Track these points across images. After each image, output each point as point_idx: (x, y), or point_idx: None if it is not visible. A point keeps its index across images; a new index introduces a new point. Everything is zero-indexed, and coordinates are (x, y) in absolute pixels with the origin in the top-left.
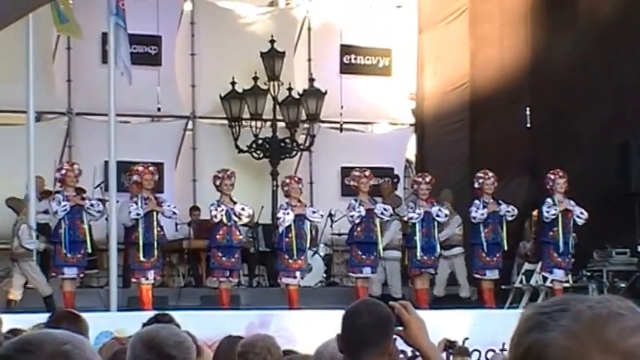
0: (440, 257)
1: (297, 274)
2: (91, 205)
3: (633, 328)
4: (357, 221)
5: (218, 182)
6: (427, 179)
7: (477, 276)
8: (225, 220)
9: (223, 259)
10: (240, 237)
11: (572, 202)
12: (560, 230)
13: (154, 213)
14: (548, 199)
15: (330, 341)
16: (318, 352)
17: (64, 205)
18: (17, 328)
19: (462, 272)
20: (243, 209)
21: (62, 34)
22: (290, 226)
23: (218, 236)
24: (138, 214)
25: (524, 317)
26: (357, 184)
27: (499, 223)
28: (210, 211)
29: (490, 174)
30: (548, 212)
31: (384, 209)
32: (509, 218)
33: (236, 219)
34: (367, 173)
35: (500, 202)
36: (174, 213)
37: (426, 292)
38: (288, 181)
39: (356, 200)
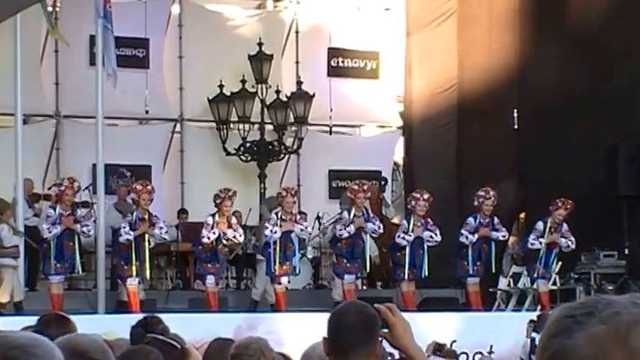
0: None
1: (283, 279)
2: (83, 227)
3: None
4: (345, 236)
5: (218, 201)
6: (425, 196)
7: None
8: (213, 243)
9: (209, 265)
10: (225, 250)
11: (565, 228)
12: (543, 254)
13: (146, 234)
14: (539, 225)
15: (317, 344)
16: (306, 354)
17: (55, 229)
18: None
19: None
20: (234, 237)
21: (54, 37)
22: (276, 239)
23: (201, 248)
24: (128, 239)
25: (552, 320)
26: (354, 198)
27: (488, 246)
28: (202, 236)
29: (491, 193)
30: (532, 245)
31: (376, 228)
32: (502, 239)
33: (224, 242)
34: (365, 188)
35: (496, 224)
36: (164, 238)
37: (413, 295)
38: (284, 193)
39: (349, 212)
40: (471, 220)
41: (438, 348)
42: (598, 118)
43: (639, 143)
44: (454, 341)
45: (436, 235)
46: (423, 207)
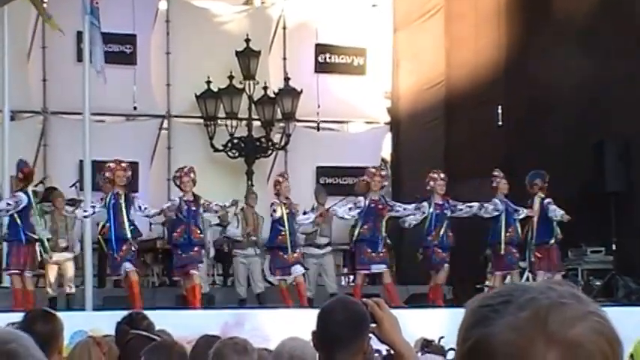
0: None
1: (295, 268)
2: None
3: (575, 318)
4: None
5: (177, 182)
6: (442, 175)
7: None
8: (182, 214)
9: (183, 255)
10: (200, 235)
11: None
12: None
13: (123, 209)
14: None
15: (285, 341)
16: (276, 352)
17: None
18: None
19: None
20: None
21: (48, 24)
22: (283, 222)
23: (175, 234)
24: (85, 215)
25: (469, 311)
26: (371, 180)
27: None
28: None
29: (383, 171)
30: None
31: (403, 208)
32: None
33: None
34: (383, 173)
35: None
36: (145, 209)
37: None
38: (281, 179)
39: (365, 197)
40: (495, 200)
41: (425, 344)
42: (585, 115)
43: (626, 140)
44: (442, 337)
45: (463, 207)
46: (443, 186)
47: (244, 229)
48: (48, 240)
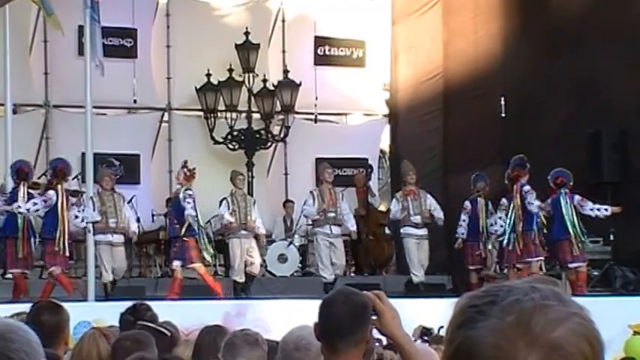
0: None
1: None
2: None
3: (558, 320)
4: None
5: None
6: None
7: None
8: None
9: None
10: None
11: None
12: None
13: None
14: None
15: (294, 330)
16: (283, 340)
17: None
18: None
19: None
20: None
21: (49, 24)
22: None
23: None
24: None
25: (456, 311)
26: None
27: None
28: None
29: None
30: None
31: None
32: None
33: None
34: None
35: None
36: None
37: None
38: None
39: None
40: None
41: (424, 332)
42: (582, 105)
43: (622, 130)
44: (442, 327)
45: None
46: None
47: (320, 205)
48: (97, 222)
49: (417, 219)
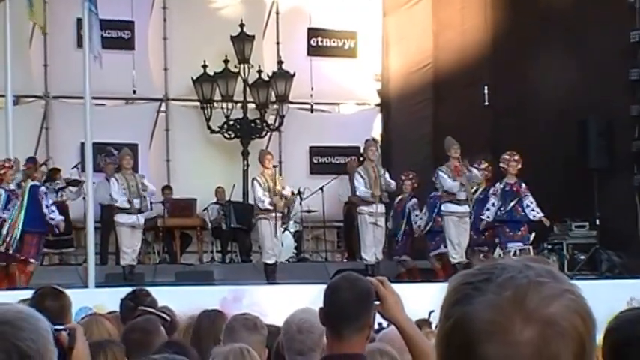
0: None
1: None
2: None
3: (552, 296)
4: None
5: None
6: (515, 157)
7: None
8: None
9: None
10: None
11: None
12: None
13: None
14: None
15: (296, 312)
16: (286, 322)
17: None
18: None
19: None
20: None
21: (32, 20)
22: None
23: None
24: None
25: (451, 288)
26: (507, 167)
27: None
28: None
29: (516, 156)
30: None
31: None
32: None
33: None
34: (516, 157)
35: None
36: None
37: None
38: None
39: (501, 183)
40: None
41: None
42: (569, 93)
43: (609, 117)
44: (432, 311)
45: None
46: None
47: (367, 184)
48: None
49: (462, 195)
